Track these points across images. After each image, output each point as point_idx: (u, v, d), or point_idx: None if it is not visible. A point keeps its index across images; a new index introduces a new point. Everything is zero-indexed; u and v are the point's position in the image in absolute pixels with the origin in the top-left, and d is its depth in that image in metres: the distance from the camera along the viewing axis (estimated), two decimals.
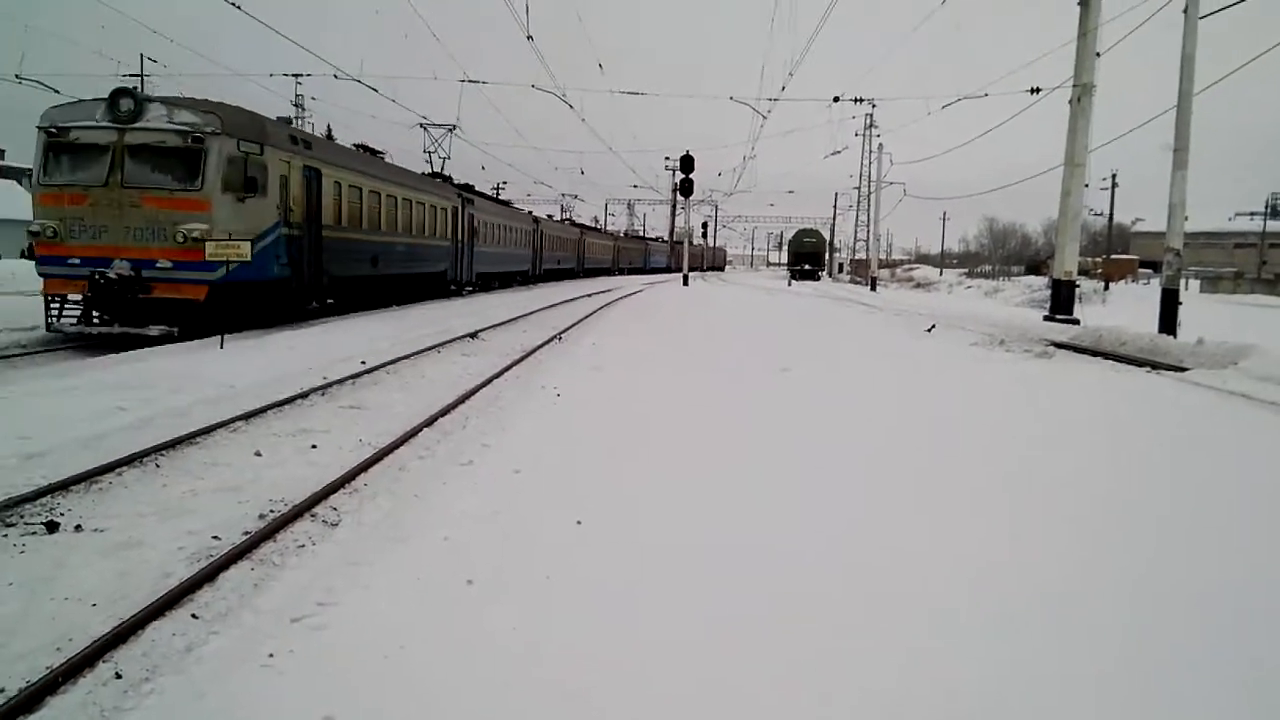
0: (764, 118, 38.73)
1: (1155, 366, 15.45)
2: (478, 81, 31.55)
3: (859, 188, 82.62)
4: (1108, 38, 24.05)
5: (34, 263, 16.27)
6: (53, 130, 15.48)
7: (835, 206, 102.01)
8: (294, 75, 33.99)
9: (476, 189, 37.31)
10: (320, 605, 4.28)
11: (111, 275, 14.93)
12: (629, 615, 4.30)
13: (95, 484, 6.80)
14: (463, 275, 32.01)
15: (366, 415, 9.93)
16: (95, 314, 15.56)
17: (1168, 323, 19.63)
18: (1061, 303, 24.34)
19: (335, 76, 29.12)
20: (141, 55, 43.61)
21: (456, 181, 34.66)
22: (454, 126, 36.20)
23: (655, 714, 3.40)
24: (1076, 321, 23.09)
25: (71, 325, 15.48)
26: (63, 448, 7.54)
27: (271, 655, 3.79)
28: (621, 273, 75.68)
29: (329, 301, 21.66)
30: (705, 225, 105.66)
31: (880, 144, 62.71)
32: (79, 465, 7.04)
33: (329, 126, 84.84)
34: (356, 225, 22.18)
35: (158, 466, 7.47)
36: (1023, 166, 36.51)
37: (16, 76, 27.82)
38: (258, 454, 8.01)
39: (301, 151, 19.02)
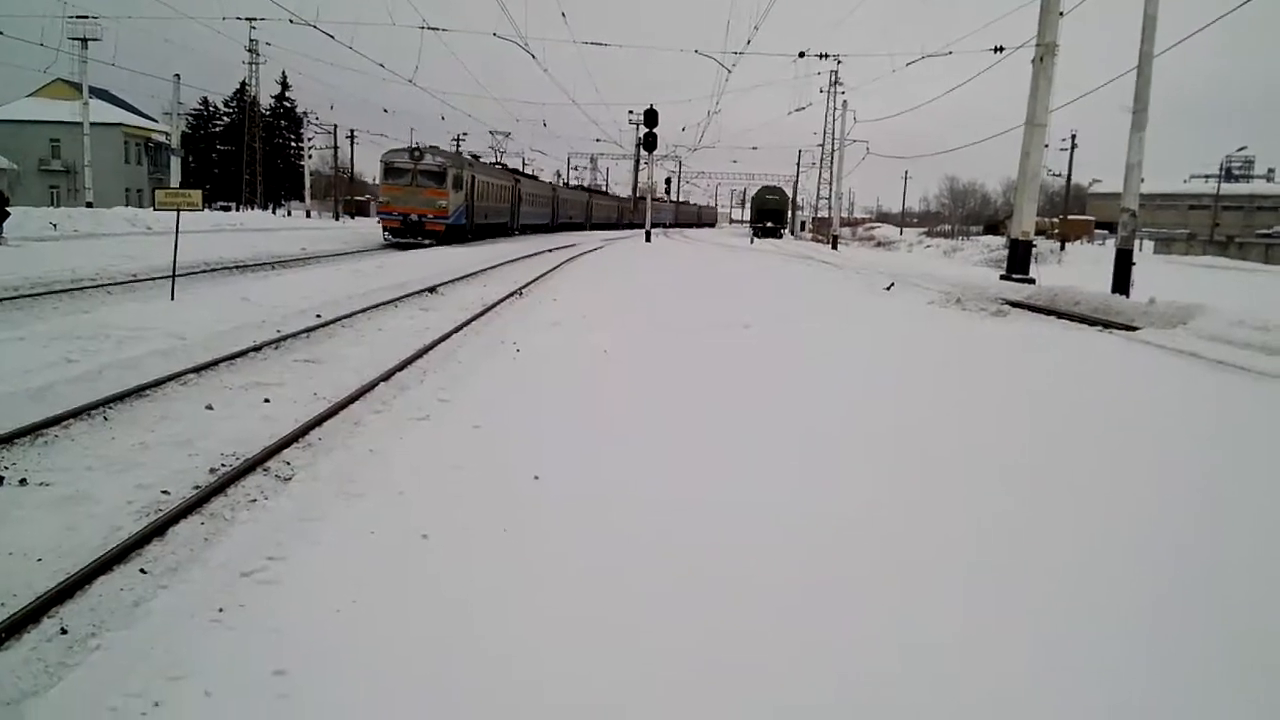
0: (729, 72, 38.44)
1: (1108, 325, 15.68)
2: (437, 29, 30.91)
3: (822, 145, 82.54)
4: None
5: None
6: (387, 162, 36.14)
7: (799, 164, 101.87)
8: (247, 19, 33.00)
9: (475, 155, 51.14)
10: (271, 560, 4.24)
11: (410, 218, 34.45)
12: (584, 569, 4.31)
13: (41, 437, 6.67)
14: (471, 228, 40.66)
15: (321, 369, 9.81)
16: (399, 235, 34.50)
17: (1121, 283, 19.86)
18: (1018, 262, 24.50)
19: (291, 21, 28.32)
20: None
21: (459, 149, 51.43)
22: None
23: (604, 667, 3.42)
24: (1032, 281, 23.29)
25: (388, 239, 34.70)
26: (8, 399, 7.35)
27: (221, 610, 3.75)
28: (595, 228, 76.58)
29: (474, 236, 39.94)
30: (669, 181, 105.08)
31: (844, 101, 62.54)
32: (24, 418, 6.87)
33: (284, 74, 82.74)
34: (485, 200, 42.06)
35: (106, 419, 7.34)
36: (984, 126, 36.68)
37: None
38: (209, 407, 7.89)
39: (470, 166, 40.60)
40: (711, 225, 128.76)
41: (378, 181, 40.74)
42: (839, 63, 60.21)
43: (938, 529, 4.99)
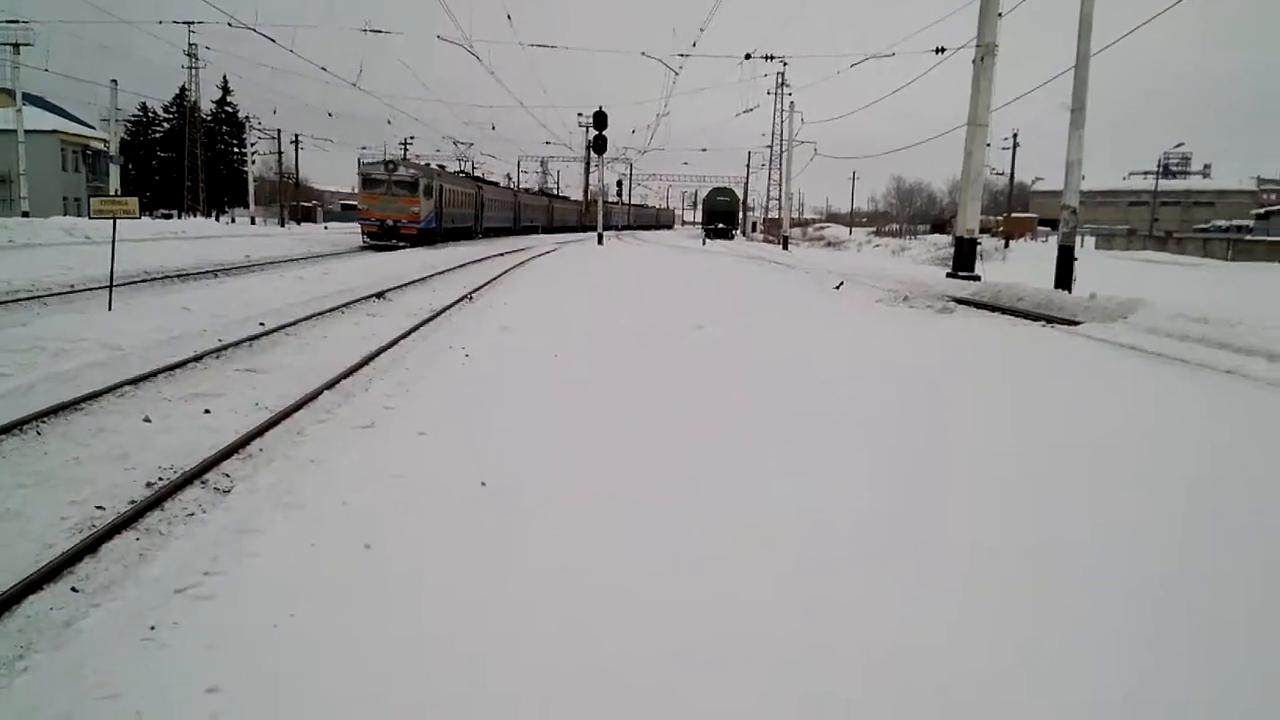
0: (676, 74, 38.56)
1: (1050, 320, 15.96)
2: (380, 31, 30.59)
3: (771, 146, 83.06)
4: None
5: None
6: (364, 174, 40.67)
7: (749, 166, 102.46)
8: (186, 23, 32.38)
9: (442, 166, 55.70)
10: (207, 575, 4.12)
11: (385, 223, 38.62)
12: (531, 576, 4.25)
13: None
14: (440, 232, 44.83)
15: (264, 378, 9.64)
16: (376, 239, 38.55)
17: (1063, 278, 20.23)
18: (964, 260, 24.84)
19: (230, 25, 27.84)
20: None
21: (422, 161, 54.33)
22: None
23: (549, 678, 3.38)
24: (978, 278, 23.64)
25: (366, 242, 38.75)
26: None
27: (153, 628, 3.64)
28: (555, 231, 78.96)
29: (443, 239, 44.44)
30: (620, 183, 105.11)
31: (791, 102, 62.93)
32: None
33: (225, 78, 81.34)
34: (452, 206, 46.48)
35: (39, 434, 7.14)
36: (929, 126, 37.18)
37: None
38: (147, 420, 7.71)
39: (438, 177, 44.72)
40: (669, 227, 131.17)
41: (356, 191, 48.01)
42: (785, 64, 60.80)
43: (855, 512, 5.02)
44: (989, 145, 25.82)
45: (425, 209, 40.29)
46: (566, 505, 5.23)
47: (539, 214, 77.54)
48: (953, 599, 4.08)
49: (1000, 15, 23.11)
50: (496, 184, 71.35)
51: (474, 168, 67.37)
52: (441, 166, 55.13)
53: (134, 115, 79.26)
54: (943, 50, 26.83)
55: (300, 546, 4.50)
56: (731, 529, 4.88)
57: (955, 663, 3.52)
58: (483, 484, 5.58)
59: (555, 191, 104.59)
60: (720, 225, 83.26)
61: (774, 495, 5.50)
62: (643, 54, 37.14)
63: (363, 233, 40.29)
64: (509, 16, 32.71)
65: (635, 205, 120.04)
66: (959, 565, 4.47)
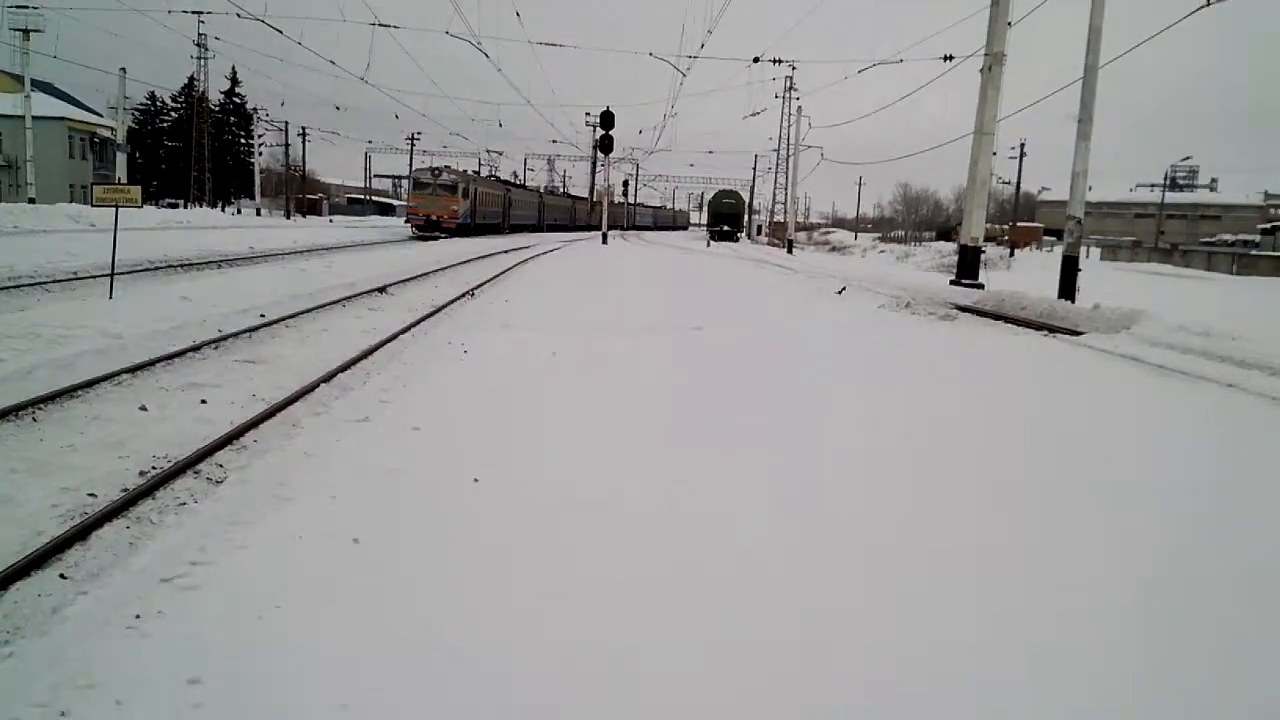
0: (684, 75, 38.59)
1: (1052, 330, 15.94)
2: (389, 25, 30.61)
3: (778, 150, 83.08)
4: (1020, 8, 24.47)
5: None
6: (415, 178, 53.04)
7: (755, 169, 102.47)
8: (195, 13, 32.41)
9: (476, 171, 70.49)
10: (194, 565, 4.12)
11: (430, 218, 47.68)
12: (519, 574, 4.25)
13: None
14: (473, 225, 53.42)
15: (262, 370, 9.64)
16: (422, 230, 47.32)
17: (1067, 288, 20.21)
18: (968, 267, 24.82)
19: (239, 15, 27.87)
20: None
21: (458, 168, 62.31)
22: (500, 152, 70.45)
23: (539, 669, 3.37)
24: (981, 286, 23.62)
25: (414, 234, 47.05)
26: None
27: (138, 616, 3.63)
28: (577, 229, 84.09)
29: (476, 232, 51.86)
30: (626, 184, 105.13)
31: (799, 107, 62.82)
32: None
33: (233, 69, 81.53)
34: (483, 205, 54.70)
35: (35, 420, 7.13)
36: (936, 133, 37.17)
37: None
38: (143, 408, 7.71)
39: (474, 181, 54.81)
40: (684, 228, 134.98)
41: (407, 193, 62.63)
42: (793, 68, 60.78)
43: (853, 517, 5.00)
44: (995, 154, 25.79)
45: (463, 207, 49.71)
46: (557, 502, 5.22)
47: (562, 213, 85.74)
48: (960, 601, 4.07)
49: (1010, 24, 23.10)
50: (525, 186, 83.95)
51: (514, 175, 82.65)
52: (476, 172, 70.28)
53: (142, 104, 79.36)
54: (951, 58, 26.76)
55: (289, 538, 4.50)
56: (727, 532, 4.87)
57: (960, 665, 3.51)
58: (475, 480, 5.58)
59: (569, 192, 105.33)
60: (725, 228, 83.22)
61: (763, 496, 5.49)
62: (650, 54, 37.08)
63: (411, 226, 50.00)
64: (518, 14, 32.74)
65: (655, 207, 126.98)
66: (964, 569, 4.46)
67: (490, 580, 4.16)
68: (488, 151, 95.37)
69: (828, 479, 5.97)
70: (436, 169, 52.15)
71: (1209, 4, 20.43)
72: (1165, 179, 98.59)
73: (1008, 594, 4.25)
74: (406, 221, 52.57)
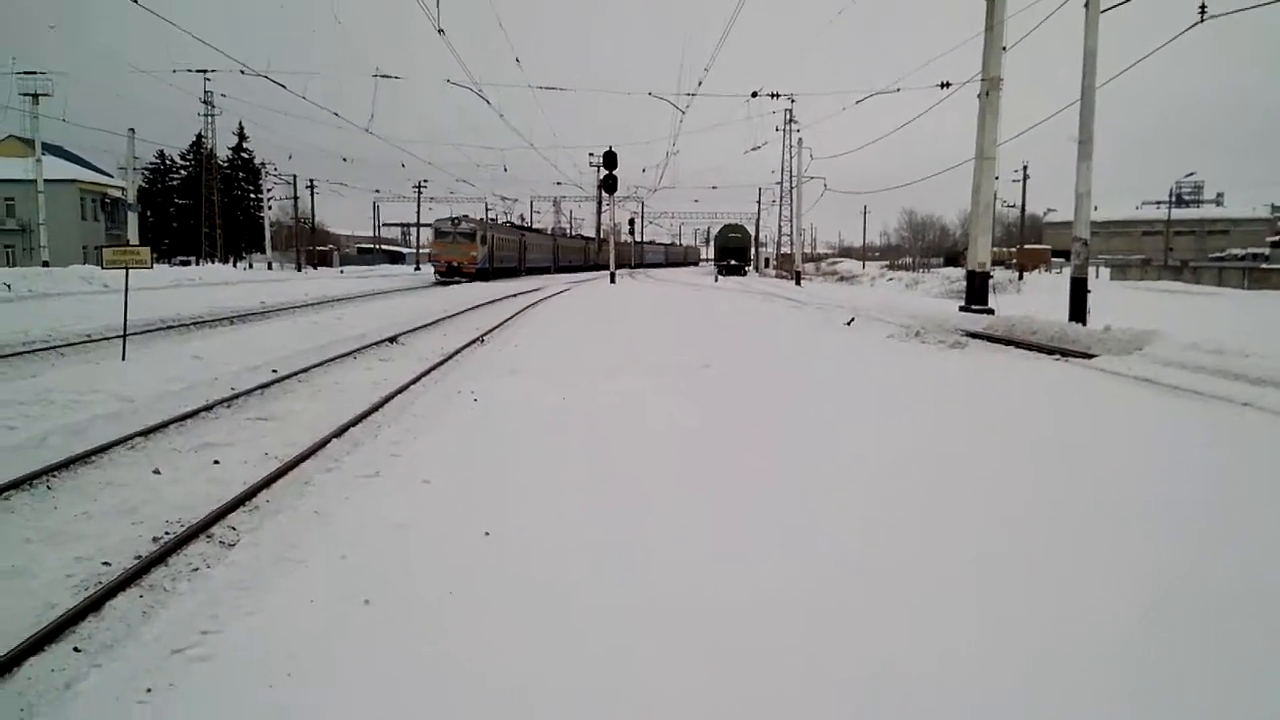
0: (683, 113, 38.89)
1: (1064, 354, 15.86)
2: (390, 76, 31.08)
3: (781, 183, 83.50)
4: (1015, 33, 24.66)
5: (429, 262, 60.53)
6: (436, 227, 55.52)
7: (759, 202, 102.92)
8: (200, 71, 32.97)
9: (493, 219, 75.91)
10: (205, 634, 4.12)
11: (452, 264, 51.92)
12: (534, 630, 4.22)
13: None
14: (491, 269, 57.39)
15: (274, 426, 9.67)
16: (445, 276, 51.59)
17: (1077, 311, 20.14)
18: (976, 293, 24.78)
19: (242, 72, 28.32)
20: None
21: (475, 216, 66.97)
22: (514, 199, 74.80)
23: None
24: (991, 311, 23.56)
25: (437, 280, 51.45)
26: None
27: (150, 690, 3.63)
28: (591, 269, 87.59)
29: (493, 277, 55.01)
30: (631, 222, 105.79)
31: (800, 139, 63.22)
32: None
33: (240, 124, 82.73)
34: (499, 250, 58.43)
35: (49, 488, 7.16)
36: (938, 158, 37.33)
37: None
38: (156, 471, 7.74)
39: (491, 228, 59.71)
40: (695, 264, 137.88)
41: (429, 242, 65.74)
42: (792, 101, 61.23)
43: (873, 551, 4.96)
44: (998, 178, 25.87)
45: (481, 253, 53.78)
46: (571, 557, 5.20)
47: (575, 254, 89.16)
48: (960, 618, 4.02)
49: (1005, 49, 23.25)
50: (538, 230, 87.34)
51: (520, 218, 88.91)
52: (494, 219, 77.63)
53: (151, 163, 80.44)
54: (948, 85, 26.97)
55: (300, 602, 4.49)
56: (742, 577, 4.84)
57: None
58: (486, 534, 5.56)
59: (576, 233, 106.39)
60: (733, 262, 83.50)
61: (776, 543, 5.45)
62: (649, 94, 37.49)
63: (435, 272, 54.66)
64: (518, 60, 33.21)
65: (665, 244, 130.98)
66: (966, 591, 4.41)
67: (504, 640, 4.13)
68: (502, 199, 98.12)
69: (839, 523, 5.93)
70: (456, 218, 55.87)
71: (1203, 19, 20.61)
72: (1171, 195, 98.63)
73: (1024, 631, 4.19)
74: (430, 267, 58.29)
